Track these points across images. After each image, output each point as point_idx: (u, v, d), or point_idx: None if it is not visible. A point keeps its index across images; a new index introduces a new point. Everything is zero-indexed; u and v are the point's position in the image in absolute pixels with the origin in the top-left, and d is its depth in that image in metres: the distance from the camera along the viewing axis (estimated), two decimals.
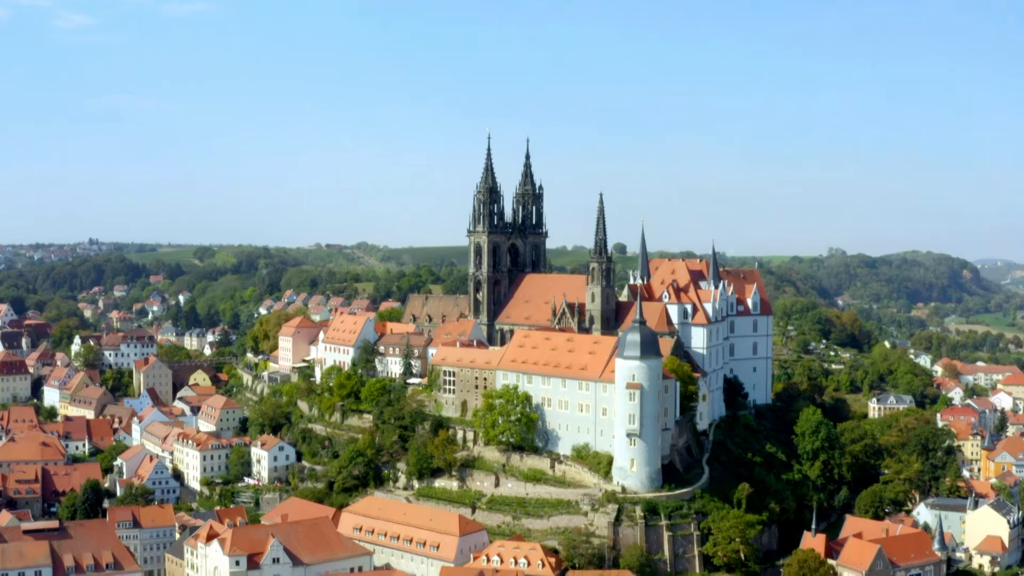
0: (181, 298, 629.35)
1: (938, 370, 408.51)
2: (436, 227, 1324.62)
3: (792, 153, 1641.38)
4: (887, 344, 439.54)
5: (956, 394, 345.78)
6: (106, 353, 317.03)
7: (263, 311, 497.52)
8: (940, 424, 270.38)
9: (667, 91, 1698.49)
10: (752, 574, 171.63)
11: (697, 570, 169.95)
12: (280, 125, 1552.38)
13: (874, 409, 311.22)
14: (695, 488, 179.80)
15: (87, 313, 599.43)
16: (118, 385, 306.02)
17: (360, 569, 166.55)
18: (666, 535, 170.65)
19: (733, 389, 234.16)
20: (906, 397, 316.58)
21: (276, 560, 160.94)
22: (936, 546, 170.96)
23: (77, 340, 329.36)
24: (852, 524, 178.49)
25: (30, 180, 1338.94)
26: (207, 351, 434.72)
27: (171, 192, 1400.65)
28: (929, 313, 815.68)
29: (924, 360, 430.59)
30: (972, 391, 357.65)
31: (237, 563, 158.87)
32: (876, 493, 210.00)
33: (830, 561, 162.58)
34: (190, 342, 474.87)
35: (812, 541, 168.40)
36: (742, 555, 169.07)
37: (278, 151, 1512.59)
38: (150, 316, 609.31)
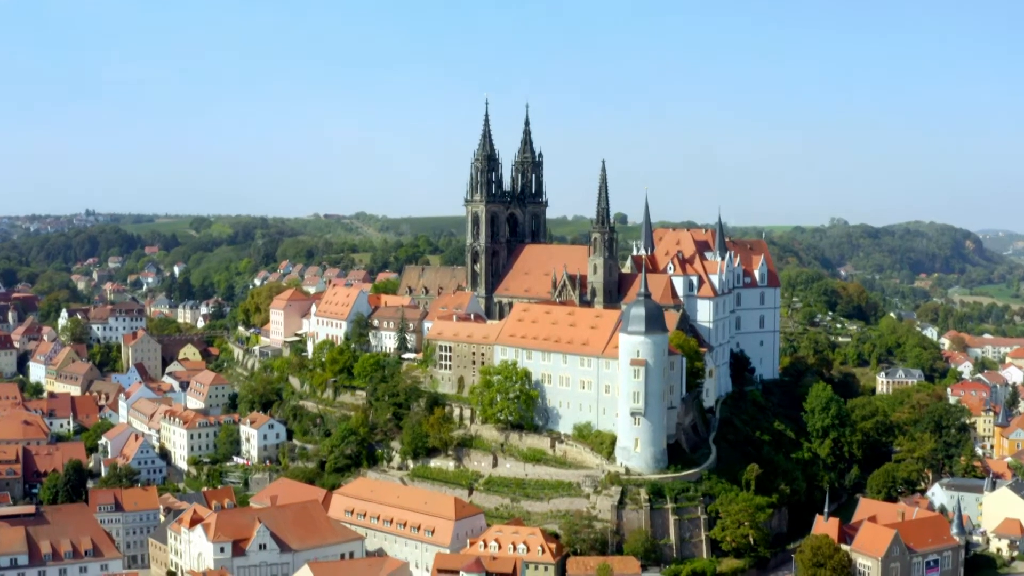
0: (176, 269, 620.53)
1: (945, 343, 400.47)
2: (436, 197, 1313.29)
3: (793, 122, 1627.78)
4: (892, 315, 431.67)
5: (965, 368, 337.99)
6: (94, 327, 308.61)
7: (258, 282, 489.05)
8: (952, 400, 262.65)
9: (668, 58, 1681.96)
10: (762, 560, 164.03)
11: (704, 555, 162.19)
12: (279, 94, 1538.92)
13: (882, 383, 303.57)
14: (702, 469, 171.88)
15: (80, 285, 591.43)
16: (106, 360, 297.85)
17: (351, 555, 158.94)
18: (672, 519, 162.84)
19: (740, 364, 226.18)
20: (915, 371, 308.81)
21: (263, 546, 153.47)
22: (954, 530, 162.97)
23: (64, 314, 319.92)
24: (865, 507, 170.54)
25: (27, 150, 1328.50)
26: (200, 324, 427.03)
27: (169, 162, 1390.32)
28: (932, 284, 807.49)
29: (930, 332, 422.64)
30: (982, 365, 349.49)
31: (222, 549, 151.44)
32: (888, 473, 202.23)
33: (843, 547, 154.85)
34: (183, 314, 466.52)
35: (825, 525, 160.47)
36: (751, 540, 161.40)
37: (276, 120, 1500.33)
38: (145, 288, 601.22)
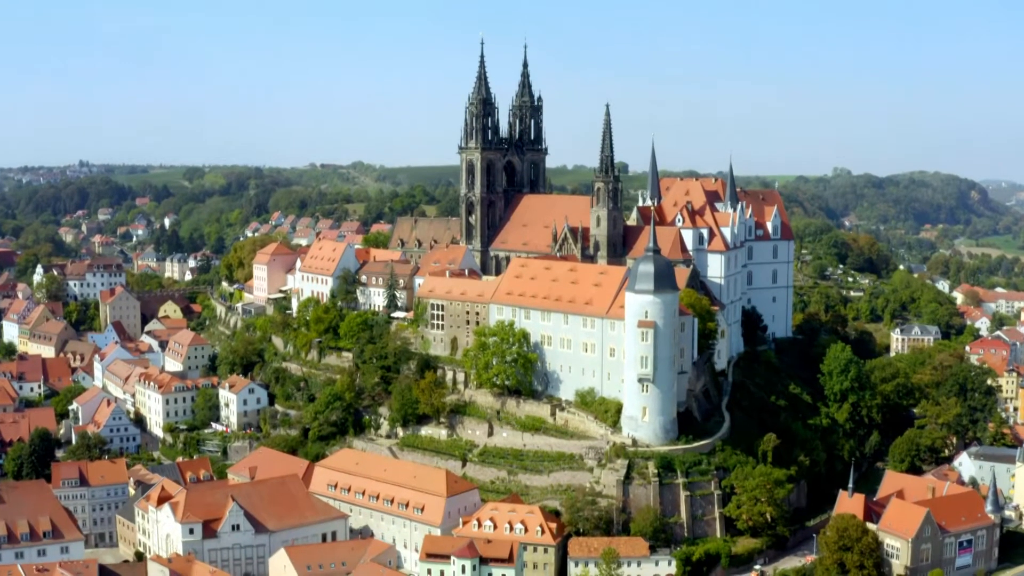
0: (167, 221, 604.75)
1: (958, 297, 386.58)
2: (435, 145, 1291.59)
3: (795, 70, 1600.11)
4: (901, 268, 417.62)
5: (982, 324, 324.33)
6: (71, 283, 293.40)
7: (249, 234, 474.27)
8: (972, 359, 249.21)
9: (667, 5, 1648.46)
10: (780, 539, 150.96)
11: (718, 534, 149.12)
12: (277, 43, 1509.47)
13: (897, 340, 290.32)
14: (715, 439, 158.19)
15: (67, 238, 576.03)
16: (83, 318, 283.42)
17: (333, 536, 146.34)
18: (683, 495, 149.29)
19: (751, 322, 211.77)
20: (931, 328, 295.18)
21: (236, 527, 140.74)
22: (988, 507, 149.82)
23: (39, 270, 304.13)
24: (891, 480, 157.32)
25: (21, 102, 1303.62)
26: (188, 278, 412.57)
27: (164, 112, 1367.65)
28: (938, 235, 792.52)
29: (942, 286, 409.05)
30: (1000, 321, 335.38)
31: (191, 531, 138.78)
32: (911, 440, 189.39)
33: (870, 525, 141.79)
34: (171, 268, 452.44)
35: (849, 502, 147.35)
36: (768, 517, 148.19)
37: (272, 69, 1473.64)
38: (134, 240, 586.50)
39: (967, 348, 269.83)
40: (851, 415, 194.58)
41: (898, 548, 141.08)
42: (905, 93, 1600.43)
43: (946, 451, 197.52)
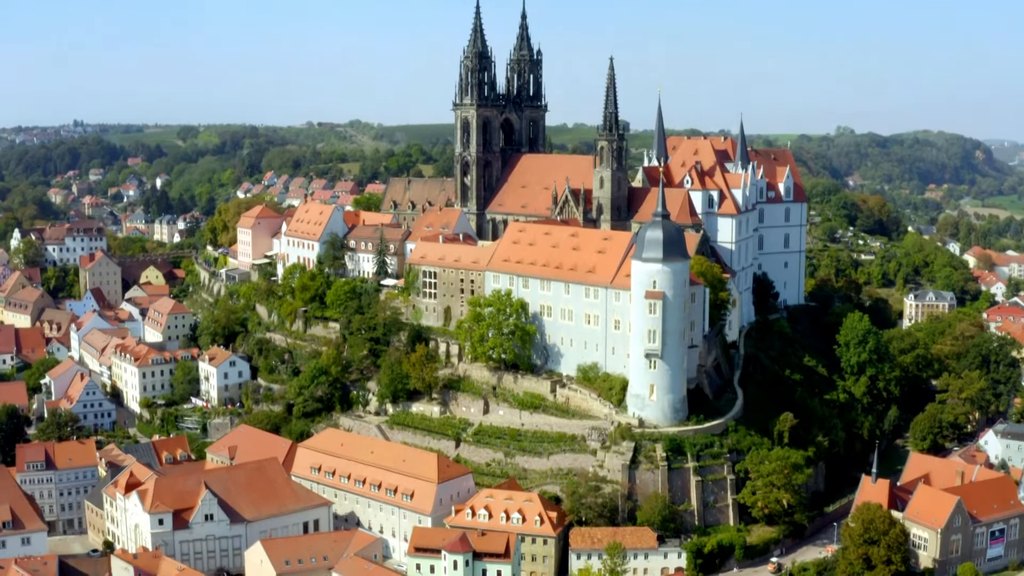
0: (158, 181, 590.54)
1: (971, 260, 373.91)
2: (434, 102, 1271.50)
3: (797, 28, 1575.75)
4: (913, 231, 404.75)
5: (998, 290, 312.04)
6: (49, 248, 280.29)
7: (241, 195, 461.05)
8: (991, 327, 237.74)
9: None
10: (798, 527, 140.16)
11: (731, 523, 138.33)
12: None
13: (911, 307, 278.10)
14: (727, 419, 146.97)
15: (56, 199, 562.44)
16: (61, 285, 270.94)
17: (316, 525, 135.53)
18: (693, 480, 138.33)
19: (763, 289, 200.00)
20: (946, 294, 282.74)
21: (209, 517, 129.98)
22: (1022, 493, 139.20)
23: (16, 234, 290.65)
24: (916, 463, 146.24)
25: (14, 60, 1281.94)
26: (177, 240, 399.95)
27: (160, 71, 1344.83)
28: (943, 195, 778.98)
29: (953, 248, 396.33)
30: (1016, 286, 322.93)
31: (160, 522, 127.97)
32: (933, 416, 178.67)
33: (895, 514, 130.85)
34: (160, 230, 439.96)
35: (873, 488, 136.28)
36: (785, 504, 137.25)
37: (270, 25, 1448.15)
38: (125, 201, 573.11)
39: (984, 315, 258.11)
40: (868, 389, 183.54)
41: (926, 539, 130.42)
42: (907, 50, 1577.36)
43: (969, 427, 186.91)
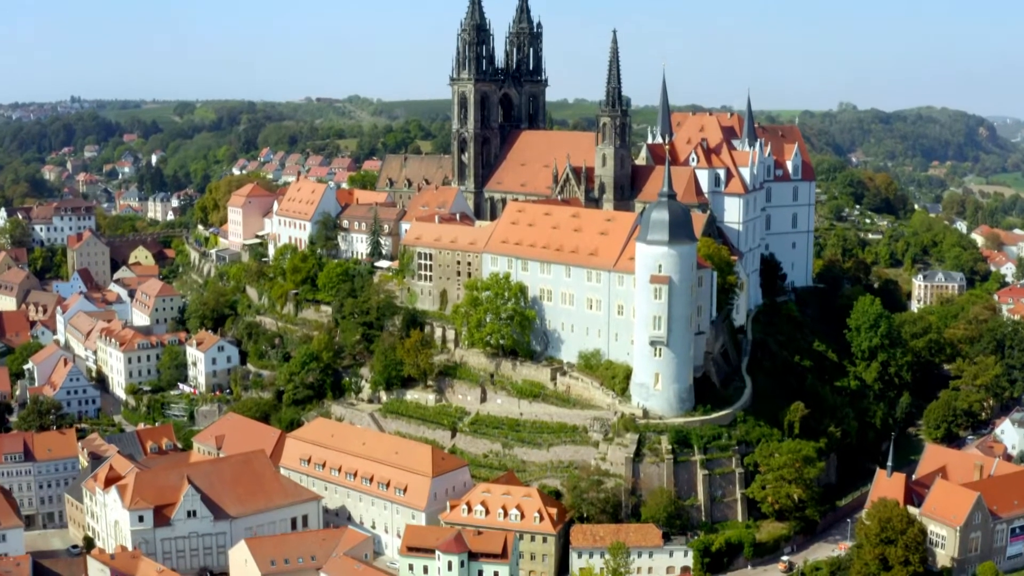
0: (154, 158, 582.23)
1: (978, 239, 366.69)
2: (434, 77, 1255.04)
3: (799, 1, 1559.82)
4: (918, 208, 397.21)
5: (1008, 270, 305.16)
6: (37, 227, 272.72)
7: (236, 172, 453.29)
8: (1003, 310, 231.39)
9: None
10: (810, 523, 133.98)
11: (739, 518, 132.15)
12: None
13: (920, 287, 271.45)
14: (736, 409, 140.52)
15: (50, 177, 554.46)
16: (49, 266, 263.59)
17: (304, 521, 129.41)
18: (700, 474, 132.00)
19: (770, 270, 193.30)
20: (956, 274, 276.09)
21: (192, 513, 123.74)
22: None
23: (2, 213, 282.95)
24: (932, 455, 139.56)
25: (11, 35, 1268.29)
26: (171, 218, 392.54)
27: (158, 46, 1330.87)
28: (947, 172, 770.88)
29: (960, 227, 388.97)
30: None
31: (140, 519, 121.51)
32: (948, 404, 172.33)
33: (911, 510, 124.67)
34: (153, 208, 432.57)
35: (888, 483, 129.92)
36: (796, 499, 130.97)
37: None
38: (120, 178, 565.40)
39: (995, 297, 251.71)
40: (880, 375, 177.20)
41: (944, 537, 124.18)
42: (910, 25, 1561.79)
43: (983, 414, 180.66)
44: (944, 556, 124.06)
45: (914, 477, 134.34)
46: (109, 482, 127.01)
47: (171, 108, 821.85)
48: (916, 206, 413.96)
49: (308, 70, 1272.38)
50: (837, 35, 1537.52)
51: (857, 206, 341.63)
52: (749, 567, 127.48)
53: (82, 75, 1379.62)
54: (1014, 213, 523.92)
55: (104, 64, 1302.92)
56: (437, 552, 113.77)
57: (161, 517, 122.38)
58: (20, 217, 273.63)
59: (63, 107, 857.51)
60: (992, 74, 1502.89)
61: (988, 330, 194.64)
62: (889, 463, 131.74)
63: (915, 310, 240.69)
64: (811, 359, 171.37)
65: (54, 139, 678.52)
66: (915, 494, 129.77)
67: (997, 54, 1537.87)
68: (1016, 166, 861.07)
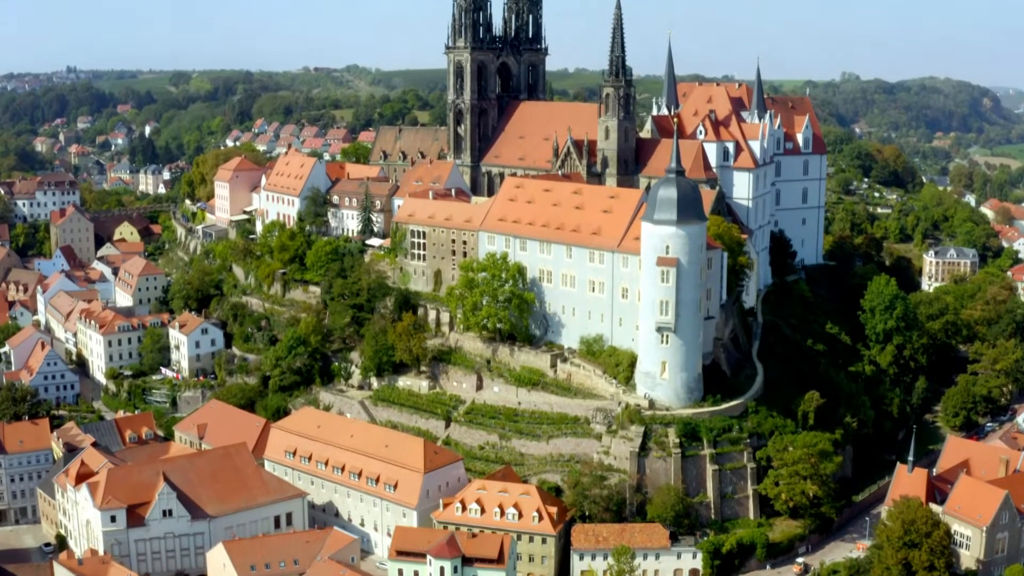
0: (147, 129, 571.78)
1: (989, 213, 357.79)
2: (434, 46, 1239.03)
3: None
4: (927, 182, 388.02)
5: (1021, 245, 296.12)
6: (19, 203, 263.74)
7: (230, 143, 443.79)
8: (1019, 287, 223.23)
9: None
10: (825, 521, 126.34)
11: (751, 516, 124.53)
12: None
13: (931, 264, 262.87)
14: (747, 399, 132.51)
15: (41, 148, 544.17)
16: (31, 243, 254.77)
17: (288, 520, 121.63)
18: (710, 469, 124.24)
19: (780, 248, 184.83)
20: (968, 250, 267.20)
21: (168, 513, 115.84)
22: None
23: None
24: (954, 448, 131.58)
25: (8, 5, 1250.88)
26: (162, 191, 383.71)
27: (155, 13, 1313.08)
28: (951, 143, 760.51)
29: (969, 200, 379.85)
30: None
31: (113, 519, 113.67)
32: (966, 390, 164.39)
33: (934, 507, 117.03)
34: (144, 181, 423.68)
35: (909, 479, 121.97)
36: (812, 496, 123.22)
37: None
38: (113, 150, 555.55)
39: (1010, 274, 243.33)
40: (895, 359, 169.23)
41: (969, 537, 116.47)
42: None
43: (1003, 399, 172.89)
44: (969, 558, 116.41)
45: (935, 472, 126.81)
46: (80, 478, 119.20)
47: (167, 78, 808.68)
48: (925, 179, 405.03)
49: (307, 39, 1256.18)
50: (840, 3, 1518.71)
51: (865, 179, 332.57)
52: (764, 568, 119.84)
53: (79, 45, 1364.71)
54: (1022, 186, 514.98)
55: (101, 34, 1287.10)
56: (428, 557, 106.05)
57: (135, 517, 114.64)
58: (2, 192, 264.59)
59: (59, 77, 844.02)
60: (996, 44, 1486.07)
61: (1007, 311, 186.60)
62: (910, 458, 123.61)
63: (927, 288, 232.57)
64: (824, 343, 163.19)
65: (47, 110, 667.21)
66: (937, 490, 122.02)
67: (1001, 24, 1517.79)
68: (1021, 137, 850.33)
